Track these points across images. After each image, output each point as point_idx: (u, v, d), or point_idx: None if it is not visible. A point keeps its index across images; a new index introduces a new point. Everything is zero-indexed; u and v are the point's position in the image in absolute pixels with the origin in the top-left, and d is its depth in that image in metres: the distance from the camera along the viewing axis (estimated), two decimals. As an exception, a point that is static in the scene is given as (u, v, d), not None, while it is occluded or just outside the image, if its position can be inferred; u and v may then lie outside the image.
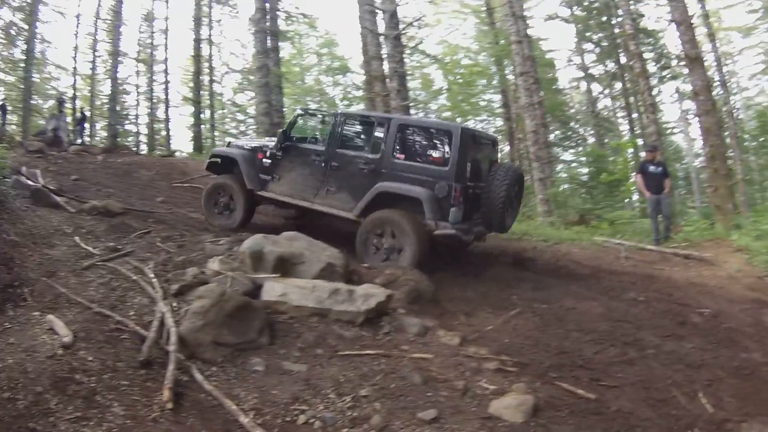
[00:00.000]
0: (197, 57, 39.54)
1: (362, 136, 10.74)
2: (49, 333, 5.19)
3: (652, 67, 29.64)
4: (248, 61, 40.89)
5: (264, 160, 10.88)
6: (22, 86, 40.52)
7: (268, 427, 4.32)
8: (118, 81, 44.48)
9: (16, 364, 4.52)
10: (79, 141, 31.08)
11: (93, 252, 7.84)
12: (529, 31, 23.64)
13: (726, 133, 26.72)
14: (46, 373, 4.43)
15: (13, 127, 39.10)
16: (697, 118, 22.28)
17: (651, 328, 7.25)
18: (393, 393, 4.87)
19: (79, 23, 44.78)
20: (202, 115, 39.77)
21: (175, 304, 6.17)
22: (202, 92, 41.58)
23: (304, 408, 4.59)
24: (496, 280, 9.34)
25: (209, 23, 43.72)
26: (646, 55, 27.11)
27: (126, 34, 58.37)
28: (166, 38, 46.48)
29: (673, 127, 39.40)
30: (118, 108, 43.86)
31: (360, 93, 39.32)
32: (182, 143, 53.68)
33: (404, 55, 20.50)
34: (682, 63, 23.44)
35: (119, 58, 43.83)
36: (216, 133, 42.87)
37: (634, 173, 16.50)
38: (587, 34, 35.14)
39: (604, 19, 32.45)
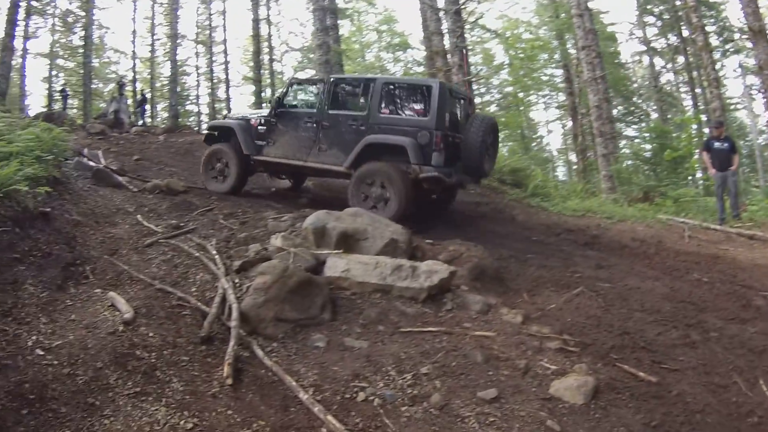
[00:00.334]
0: (256, 37, 39.84)
1: (351, 97, 11.61)
2: (111, 310, 5.29)
3: (714, 41, 28.94)
4: (308, 40, 41.03)
5: (259, 127, 11.83)
6: (82, 71, 41.37)
7: (327, 404, 4.30)
8: (178, 63, 45.07)
9: (77, 341, 4.62)
10: (140, 122, 31.62)
11: (155, 230, 7.96)
12: (589, 4, 23.21)
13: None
14: (106, 349, 4.52)
15: (74, 111, 39.96)
16: (761, 94, 21.70)
17: (714, 311, 7.05)
18: (454, 371, 4.84)
19: (136, 8, 45.63)
20: (263, 94, 40.01)
21: (237, 281, 6.22)
22: (262, 71, 41.87)
23: (364, 385, 4.57)
24: (560, 257, 9.25)
25: (267, 3, 43.97)
26: (708, 28, 26.51)
27: (184, 17, 58.97)
28: (224, 19, 46.99)
29: (737, 103, 38.22)
30: (178, 89, 44.46)
31: (421, 69, 39.20)
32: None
33: (464, 30, 20.27)
34: (746, 36, 22.81)
35: (178, 41, 44.40)
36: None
37: (699, 150, 16.14)
38: (648, 6, 34.42)
39: (666, -10, 31.72)
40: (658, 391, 4.76)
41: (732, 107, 37.04)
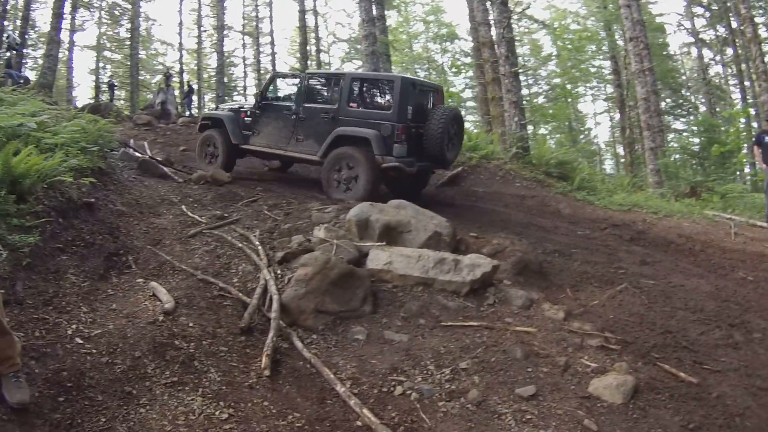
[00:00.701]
0: (303, 28, 39.96)
1: (323, 91, 12.27)
2: (152, 300, 5.38)
3: (764, 32, 28.36)
4: (355, 30, 41.06)
5: (245, 118, 12.65)
6: (129, 63, 41.96)
7: (363, 397, 4.34)
8: (225, 54, 45.43)
9: (117, 330, 4.72)
10: (187, 113, 31.87)
11: (199, 220, 8.06)
12: (637, -6, 22.85)
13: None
14: (145, 339, 4.61)
15: (121, 102, 40.55)
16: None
17: (758, 311, 6.90)
18: (493, 367, 4.83)
19: (182, 0, 45.98)
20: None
21: (279, 272, 6.29)
22: (309, 62, 41.98)
23: (401, 379, 4.60)
24: (605, 253, 9.14)
25: (313, -6, 44.04)
26: (757, 20, 25.93)
27: (230, 8, 59.48)
28: (270, 11, 47.36)
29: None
30: (225, 80, 44.85)
31: (468, 60, 39.01)
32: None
33: (512, 21, 20.13)
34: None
35: (225, 32, 44.76)
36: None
37: (749, 144, 15.83)
38: (697, -4, 33.84)
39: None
40: (698, 392, 4.67)
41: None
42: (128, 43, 42.92)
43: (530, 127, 34.53)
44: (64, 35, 36.12)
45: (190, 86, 39.02)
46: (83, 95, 47.60)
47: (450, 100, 32.12)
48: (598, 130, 64.53)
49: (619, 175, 31.44)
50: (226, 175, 11.47)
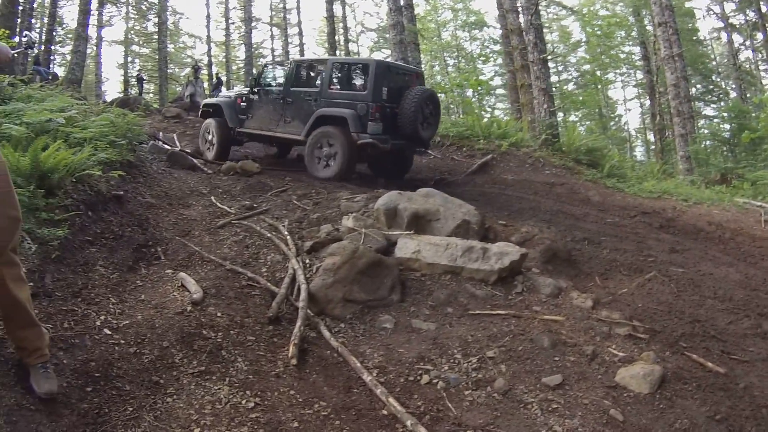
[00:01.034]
0: (330, 18, 39.95)
1: (308, 76, 13.36)
2: (180, 290, 5.44)
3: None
4: (383, 20, 41.03)
5: (241, 103, 13.82)
6: (157, 57, 42.27)
7: (390, 386, 4.34)
8: (253, 46, 45.57)
9: (145, 320, 4.77)
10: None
11: (228, 211, 8.13)
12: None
13: None
14: (173, 329, 4.66)
15: (150, 95, 40.89)
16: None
17: (788, 300, 6.84)
18: (520, 355, 4.81)
19: (210, -7, 46.19)
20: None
21: (307, 261, 6.31)
22: (338, 52, 42.01)
23: (428, 368, 4.60)
24: (634, 240, 9.08)
25: (340, -16, 44.01)
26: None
27: (258, 0, 59.62)
28: (298, 1, 47.35)
29: (818, 82, 36.83)
30: (254, 71, 44.99)
31: (498, 47, 38.85)
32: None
33: (540, 7, 20.03)
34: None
35: (252, 24, 44.87)
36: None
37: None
38: (726, -20, 33.38)
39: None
40: (725, 382, 4.60)
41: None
42: (156, 37, 43.25)
43: (560, 114, 34.40)
44: (92, 31, 36.51)
45: (218, 78, 39.22)
46: (112, 90, 48.19)
47: (480, 88, 32.03)
48: (629, 117, 64.07)
49: (650, 161, 31.19)
50: (255, 166, 11.57)
